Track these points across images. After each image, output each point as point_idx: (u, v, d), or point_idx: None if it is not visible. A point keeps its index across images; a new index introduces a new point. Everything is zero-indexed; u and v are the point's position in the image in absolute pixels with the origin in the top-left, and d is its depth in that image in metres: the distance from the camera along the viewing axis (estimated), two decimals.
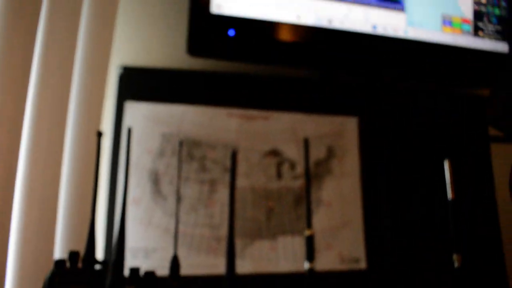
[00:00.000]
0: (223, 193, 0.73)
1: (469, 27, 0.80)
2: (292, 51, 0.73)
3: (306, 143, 0.54)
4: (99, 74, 0.70)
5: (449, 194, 0.54)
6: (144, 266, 0.51)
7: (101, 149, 0.50)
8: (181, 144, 0.71)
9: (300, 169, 0.77)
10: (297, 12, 0.72)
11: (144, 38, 0.80)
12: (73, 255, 0.43)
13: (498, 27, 0.82)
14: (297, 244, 0.73)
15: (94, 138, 0.51)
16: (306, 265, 0.50)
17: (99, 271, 0.44)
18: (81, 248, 0.45)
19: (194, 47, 0.69)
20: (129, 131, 0.52)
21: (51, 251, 0.56)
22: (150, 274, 0.46)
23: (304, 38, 0.72)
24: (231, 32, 0.70)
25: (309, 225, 0.51)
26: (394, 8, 0.76)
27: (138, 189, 0.70)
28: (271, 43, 0.72)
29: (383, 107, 0.84)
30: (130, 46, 0.79)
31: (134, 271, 0.45)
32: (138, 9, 0.82)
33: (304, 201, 0.53)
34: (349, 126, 0.81)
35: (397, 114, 0.84)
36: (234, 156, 0.50)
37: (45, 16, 0.59)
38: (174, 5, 0.82)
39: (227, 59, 0.76)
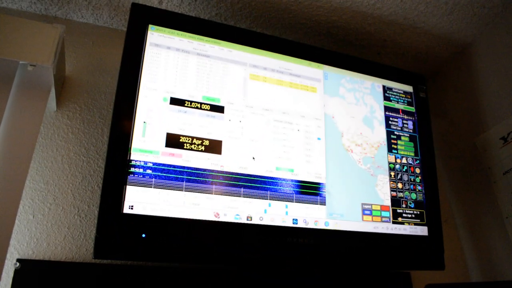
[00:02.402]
0: None
1: (388, 214, 0.82)
2: (210, 248, 0.69)
3: None
4: None
5: None
6: None
7: None
8: None
9: None
10: (216, 210, 0.69)
11: (46, 229, 0.73)
12: None
13: (416, 211, 0.85)
14: None
15: None
16: None
17: None
18: None
19: (103, 250, 0.63)
20: None
21: None
22: None
23: (223, 235, 0.69)
24: (144, 233, 0.65)
25: None
26: (315, 202, 0.76)
27: None
28: (186, 242, 0.67)
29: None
30: (30, 238, 0.72)
31: None
32: (43, 198, 0.76)
33: None
34: None
35: None
36: None
37: None
38: (84, 195, 0.78)
39: (138, 260, 0.70)
